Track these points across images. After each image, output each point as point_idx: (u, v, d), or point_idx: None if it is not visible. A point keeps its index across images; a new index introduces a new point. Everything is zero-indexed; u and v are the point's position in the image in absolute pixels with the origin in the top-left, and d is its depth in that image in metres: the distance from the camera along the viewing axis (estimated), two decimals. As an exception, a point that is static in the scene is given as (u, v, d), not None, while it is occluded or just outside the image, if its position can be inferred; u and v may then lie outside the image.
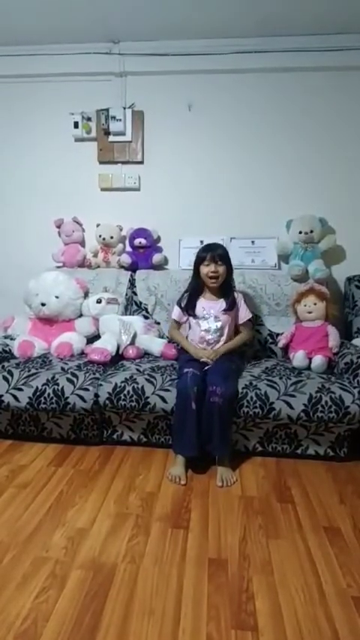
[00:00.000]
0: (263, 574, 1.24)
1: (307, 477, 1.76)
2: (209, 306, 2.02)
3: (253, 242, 2.51)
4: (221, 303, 2.01)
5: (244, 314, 2.06)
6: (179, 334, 2.12)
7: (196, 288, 2.05)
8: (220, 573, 1.24)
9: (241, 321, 2.06)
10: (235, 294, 2.06)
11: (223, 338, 2.00)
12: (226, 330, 2.00)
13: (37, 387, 1.87)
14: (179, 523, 1.46)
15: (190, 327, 2.08)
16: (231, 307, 2.00)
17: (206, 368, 1.87)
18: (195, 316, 2.02)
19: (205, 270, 1.98)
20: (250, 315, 2.09)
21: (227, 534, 1.41)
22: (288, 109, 2.44)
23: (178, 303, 2.10)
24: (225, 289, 2.03)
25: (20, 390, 1.87)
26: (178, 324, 2.13)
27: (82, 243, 2.64)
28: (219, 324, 1.98)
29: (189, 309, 2.04)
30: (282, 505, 1.57)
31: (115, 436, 1.97)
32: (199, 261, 2.01)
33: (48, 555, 1.30)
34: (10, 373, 1.92)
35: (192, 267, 2.07)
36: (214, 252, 1.97)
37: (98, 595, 1.16)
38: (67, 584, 1.19)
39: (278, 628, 1.07)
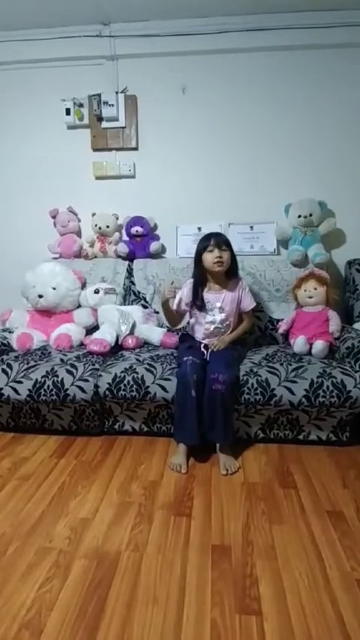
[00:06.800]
0: (267, 559, 1.24)
1: (309, 463, 1.75)
2: (214, 299, 1.97)
3: (251, 227, 2.47)
4: (225, 294, 1.97)
5: (249, 302, 2.03)
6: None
7: (199, 280, 1.98)
8: (223, 559, 1.25)
9: (245, 310, 2.03)
10: (241, 282, 2.02)
11: (229, 328, 1.98)
12: (231, 321, 1.99)
13: (36, 380, 1.86)
14: (182, 511, 1.46)
15: (191, 317, 2.05)
16: (237, 298, 1.97)
17: (206, 356, 1.86)
18: (200, 308, 1.96)
19: (210, 256, 1.90)
20: (254, 304, 2.05)
21: (230, 521, 1.41)
22: (285, 90, 2.37)
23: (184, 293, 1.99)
24: (229, 277, 1.99)
25: (20, 382, 1.87)
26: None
27: (78, 234, 2.61)
28: (223, 315, 1.96)
29: (195, 300, 1.97)
30: (285, 491, 1.57)
31: (116, 426, 1.97)
32: (201, 249, 1.94)
33: (51, 545, 1.30)
34: (10, 366, 1.92)
35: (190, 255, 2.02)
36: (216, 239, 1.91)
37: (102, 584, 1.16)
38: (71, 573, 1.19)
39: (282, 612, 1.07)
